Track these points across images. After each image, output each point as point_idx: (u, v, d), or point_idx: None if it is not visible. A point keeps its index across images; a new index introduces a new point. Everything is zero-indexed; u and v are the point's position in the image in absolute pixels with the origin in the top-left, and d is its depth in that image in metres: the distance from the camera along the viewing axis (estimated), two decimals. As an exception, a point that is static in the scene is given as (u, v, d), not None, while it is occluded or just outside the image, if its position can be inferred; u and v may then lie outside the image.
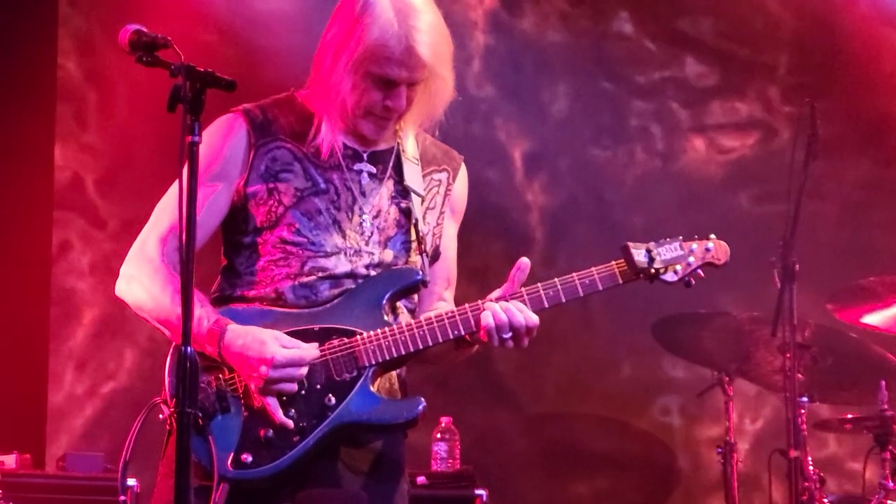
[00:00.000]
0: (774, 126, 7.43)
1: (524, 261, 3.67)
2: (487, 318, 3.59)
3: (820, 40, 7.43)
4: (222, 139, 3.70)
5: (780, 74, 7.47)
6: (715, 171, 7.45)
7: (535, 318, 3.61)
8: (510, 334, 3.59)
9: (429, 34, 3.64)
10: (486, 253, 7.06)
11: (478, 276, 6.27)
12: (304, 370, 3.56)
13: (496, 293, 3.65)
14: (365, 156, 3.77)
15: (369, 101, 3.67)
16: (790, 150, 5.94)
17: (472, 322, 3.62)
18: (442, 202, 3.87)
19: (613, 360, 7.31)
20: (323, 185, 3.71)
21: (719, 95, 7.51)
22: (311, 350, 3.58)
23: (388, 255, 3.74)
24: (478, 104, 7.36)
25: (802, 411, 5.67)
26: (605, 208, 7.37)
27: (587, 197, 7.42)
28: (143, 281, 3.65)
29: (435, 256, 3.86)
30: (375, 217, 3.74)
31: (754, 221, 7.10)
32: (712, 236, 3.78)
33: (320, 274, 3.67)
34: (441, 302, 3.89)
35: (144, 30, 3.25)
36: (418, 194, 3.79)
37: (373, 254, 3.72)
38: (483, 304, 3.62)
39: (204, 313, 3.57)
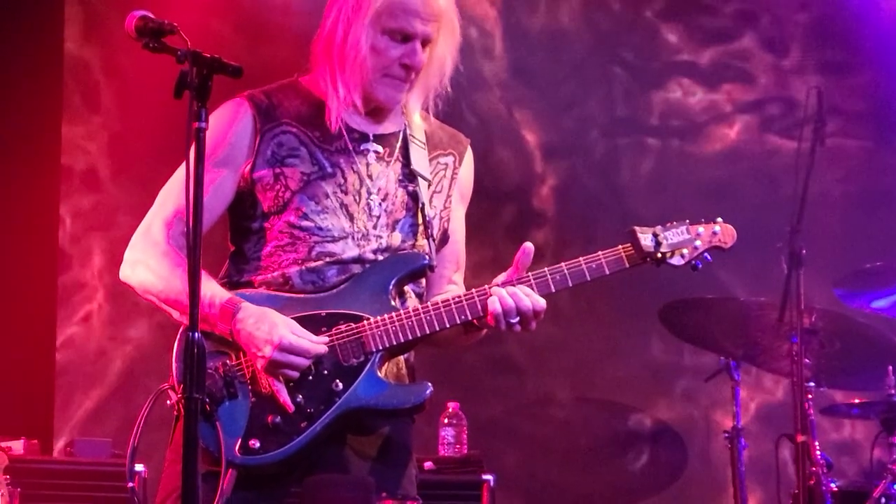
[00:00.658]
0: (784, 110, 7.40)
1: (528, 245, 3.67)
2: (494, 304, 3.59)
3: (835, 23, 7.39)
4: (227, 125, 3.70)
5: (795, 57, 7.43)
6: (723, 157, 7.43)
7: (542, 303, 3.62)
8: (517, 319, 3.60)
9: None
10: (498, 240, 7.05)
11: (489, 264, 6.27)
12: (309, 361, 3.56)
13: (501, 277, 3.65)
14: (371, 136, 3.77)
15: (387, 61, 3.68)
16: (798, 136, 5.92)
17: (480, 307, 3.62)
18: (449, 186, 3.87)
19: (621, 345, 7.30)
20: (329, 169, 3.71)
21: (734, 80, 7.47)
22: (319, 346, 3.57)
23: (396, 239, 3.74)
24: (494, 91, 7.33)
25: (810, 396, 5.67)
26: (619, 195, 7.35)
27: (602, 185, 7.40)
28: (149, 263, 3.65)
29: (443, 240, 3.86)
30: (383, 200, 3.74)
31: (762, 206, 7.08)
32: (719, 220, 3.78)
33: (328, 259, 3.67)
34: (451, 285, 3.90)
35: (151, 16, 3.23)
36: (425, 178, 3.79)
37: (381, 237, 3.72)
38: (490, 288, 3.63)
39: (215, 292, 3.58)
